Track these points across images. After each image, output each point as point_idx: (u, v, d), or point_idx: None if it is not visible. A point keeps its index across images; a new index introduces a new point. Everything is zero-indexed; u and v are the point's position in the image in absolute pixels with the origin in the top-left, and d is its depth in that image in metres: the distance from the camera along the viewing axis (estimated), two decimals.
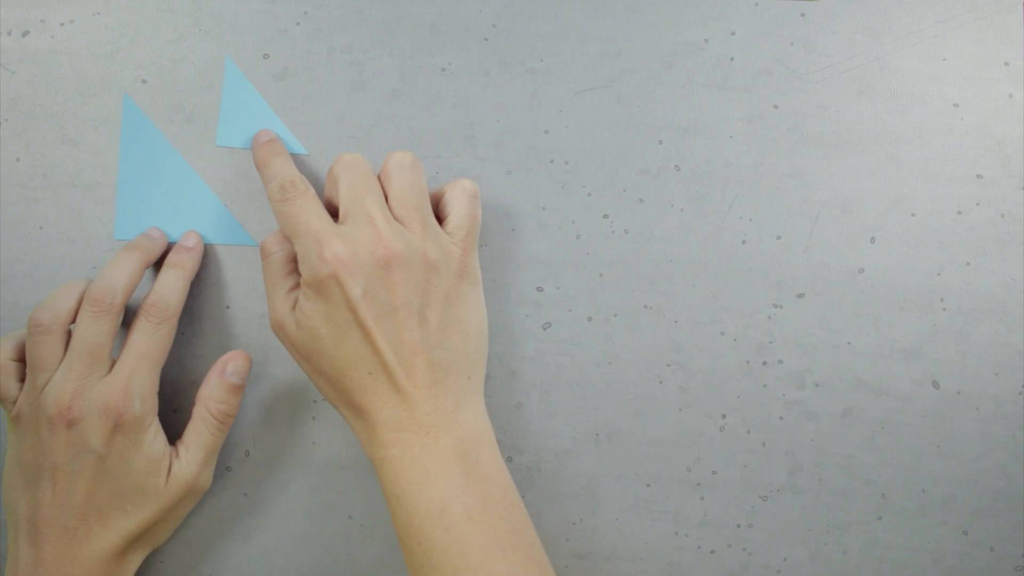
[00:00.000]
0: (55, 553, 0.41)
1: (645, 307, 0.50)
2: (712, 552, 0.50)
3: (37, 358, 0.43)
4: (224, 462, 0.50)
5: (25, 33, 0.50)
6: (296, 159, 0.50)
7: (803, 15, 0.50)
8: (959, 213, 0.50)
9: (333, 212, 0.45)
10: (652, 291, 0.50)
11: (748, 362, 0.50)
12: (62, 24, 0.50)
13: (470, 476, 0.42)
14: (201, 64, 0.50)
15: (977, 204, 0.50)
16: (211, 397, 0.46)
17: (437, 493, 0.41)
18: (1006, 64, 0.50)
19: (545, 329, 0.50)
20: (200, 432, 0.45)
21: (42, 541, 0.41)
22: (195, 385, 0.50)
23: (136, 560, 0.46)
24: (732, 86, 0.50)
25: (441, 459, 0.41)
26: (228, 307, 0.50)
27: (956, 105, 0.50)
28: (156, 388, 0.44)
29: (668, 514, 0.50)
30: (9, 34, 0.50)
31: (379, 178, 0.45)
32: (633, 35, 0.50)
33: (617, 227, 0.50)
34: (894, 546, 0.50)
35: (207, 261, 0.50)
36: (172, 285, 0.46)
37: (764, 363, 0.50)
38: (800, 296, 0.50)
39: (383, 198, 0.44)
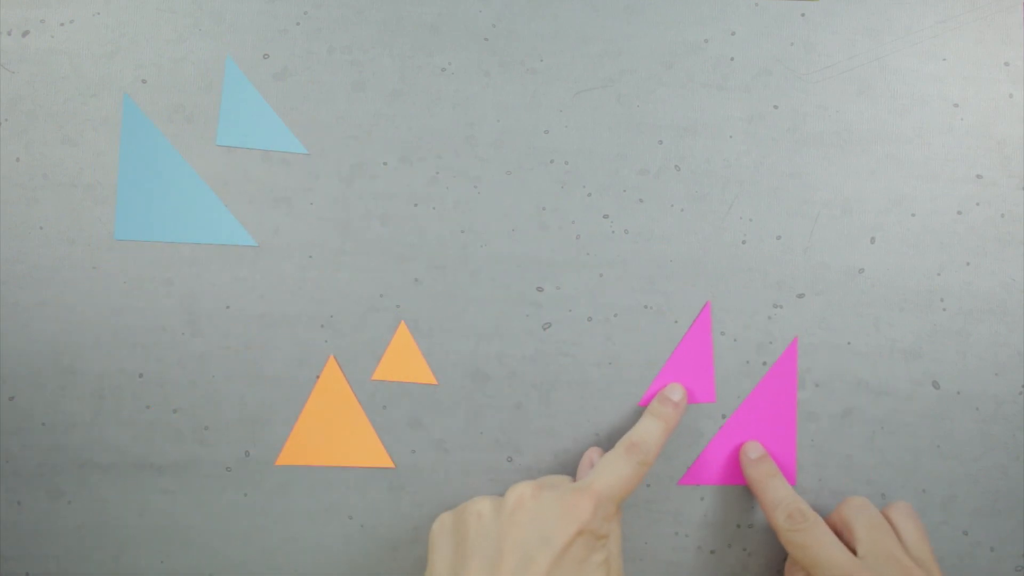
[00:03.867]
0: None
1: (645, 307, 0.50)
2: (712, 552, 0.50)
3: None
4: (224, 462, 0.50)
5: (25, 33, 0.50)
6: (296, 159, 0.50)
7: (803, 15, 0.50)
8: (959, 213, 0.50)
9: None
10: (652, 291, 0.50)
11: (748, 362, 0.50)
12: (62, 24, 0.50)
13: None
14: (201, 64, 0.50)
15: (977, 204, 0.50)
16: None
17: None
18: (1006, 64, 0.50)
19: (545, 329, 0.50)
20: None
21: None
22: (194, 385, 0.50)
23: None
24: (732, 86, 0.50)
25: None
26: (228, 307, 0.50)
27: (956, 105, 0.50)
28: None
29: (668, 514, 0.50)
30: (9, 34, 0.50)
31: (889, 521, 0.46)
32: (633, 35, 0.50)
33: (617, 227, 0.50)
34: None
35: (207, 261, 0.50)
36: (653, 432, 0.46)
37: (764, 363, 0.50)
38: (800, 296, 0.50)
39: (899, 541, 0.45)
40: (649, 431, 0.46)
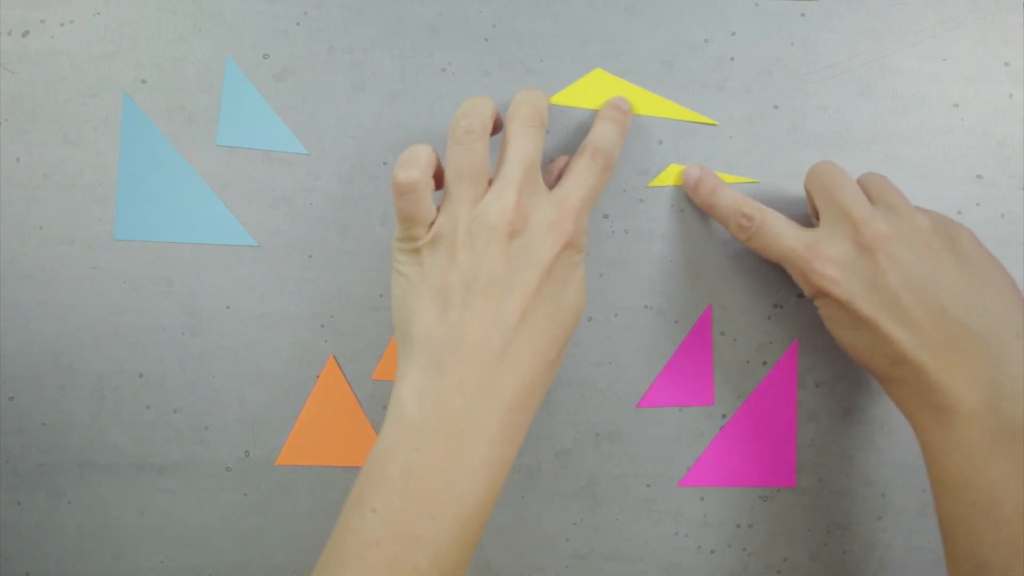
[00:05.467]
0: (474, 380, 0.37)
1: (645, 307, 0.50)
2: (712, 552, 0.50)
3: (472, 167, 0.39)
4: (224, 462, 0.50)
5: (25, 33, 0.50)
6: (296, 159, 0.50)
7: (803, 15, 0.50)
8: (959, 213, 0.50)
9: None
10: (652, 291, 0.50)
11: (748, 362, 0.50)
12: (62, 24, 0.50)
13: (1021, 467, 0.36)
14: (201, 64, 0.50)
15: (977, 204, 0.50)
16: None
17: (986, 483, 0.36)
18: (1006, 64, 0.50)
19: None
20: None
21: (458, 367, 0.37)
22: (194, 385, 0.50)
23: (537, 403, 0.40)
24: (732, 86, 0.50)
25: (990, 446, 0.36)
26: (228, 307, 0.50)
27: (956, 105, 0.50)
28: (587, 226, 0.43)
29: (668, 514, 0.50)
30: (9, 34, 0.50)
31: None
32: (633, 35, 0.50)
33: (617, 227, 0.50)
34: (894, 546, 0.50)
35: (207, 261, 0.50)
36: (611, 136, 0.44)
37: (764, 363, 0.50)
38: (800, 296, 0.50)
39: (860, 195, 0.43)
40: (608, 136, 0.44)
